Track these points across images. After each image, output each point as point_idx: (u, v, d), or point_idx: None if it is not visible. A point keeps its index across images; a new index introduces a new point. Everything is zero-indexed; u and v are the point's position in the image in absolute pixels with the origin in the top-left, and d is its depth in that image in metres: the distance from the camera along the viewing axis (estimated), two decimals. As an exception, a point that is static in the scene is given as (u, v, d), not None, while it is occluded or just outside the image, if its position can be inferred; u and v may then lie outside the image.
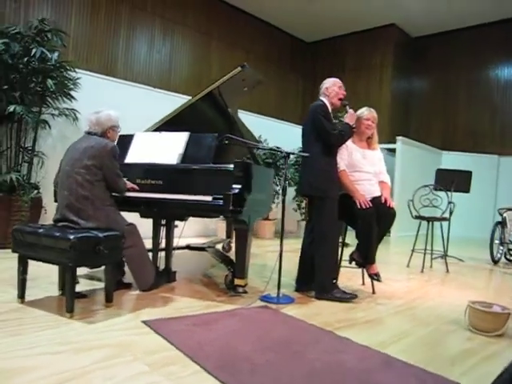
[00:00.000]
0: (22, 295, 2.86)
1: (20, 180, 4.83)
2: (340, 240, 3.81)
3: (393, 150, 9.32)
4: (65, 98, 5.27)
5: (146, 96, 6.69)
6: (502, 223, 6.05)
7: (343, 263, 3.80)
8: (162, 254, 3.74)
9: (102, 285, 3.00)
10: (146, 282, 3.29)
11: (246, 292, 3.41)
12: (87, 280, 3.58)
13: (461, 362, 2.30)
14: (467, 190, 5.96)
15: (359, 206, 3.40)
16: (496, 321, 2.75)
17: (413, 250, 5.25)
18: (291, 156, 4.77)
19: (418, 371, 2.12)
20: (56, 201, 3.12)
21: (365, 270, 3.71)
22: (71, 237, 2.59)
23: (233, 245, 4.29)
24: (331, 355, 2.28)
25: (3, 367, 1.89)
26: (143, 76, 7.52)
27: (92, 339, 2.29)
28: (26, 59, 4.82)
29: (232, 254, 3.60)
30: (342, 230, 3.83)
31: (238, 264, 3.40)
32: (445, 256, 5.22)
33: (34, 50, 4.77)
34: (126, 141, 3.75)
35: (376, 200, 3.53)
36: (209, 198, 3.12)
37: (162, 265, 3.74)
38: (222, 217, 4.37)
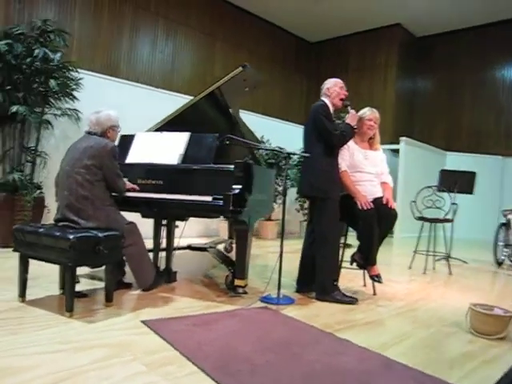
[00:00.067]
0: (22, 294, 2.88)
1: (23, 180, 4.85)
2: (341, 241, 3.81)
3: (396, 151, 9.30)
4: (67, 99, 5.29)
5: (149, 96, 6.72)
6: (507, 225, 6.01)
7: (344, 264, 3.78)
8: (163, 254, 3.75)
9: (102, 284, 3.00)
10: (146, 281, 3.29)
11: (246, 293, 3.40)
12: (88, 279, 3.59)
13: (461, 365, 2.28)
14: (471, 192, 5.92)
15: (360, 207, 3.38)
16: (497, 324, 2.73)
17: (415, 252, 5.23)
18: (294, 156, 4.80)
19: (417, 374, 2.11)
20: (57, 201, 3.13)
21: (366, 272, 3.70)
22: (71, 236, 2.59)
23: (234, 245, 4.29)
24: (331, 357, 2.27)
25: (2, 366, 1.89)
26: (146, 76, 7.53)
27: (91, 339, 2.29)
28: (28, 60, 4.84)
29: (233, 255, 3.60)
30: (343, 231, 3.81)
31: (238, 265, 3.39)
32: (448, 258, 5.19)
33: (36, 51, 4.79)
34: (127, 141, 3.76)
35: (377, 201, 3.51)
36: (209, 199, 3.12)
37: (162, 265, 3.74)
38: (223, 217, 4.36)
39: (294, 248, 3.68)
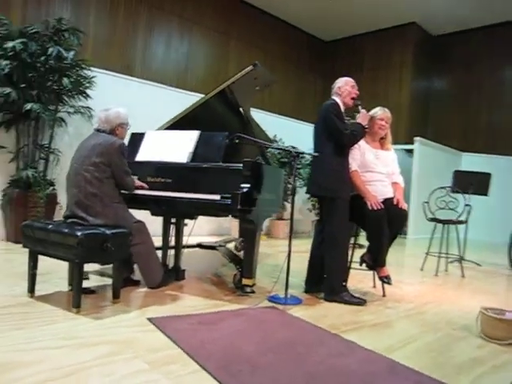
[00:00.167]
0: (31, 289, 2.91)
1: (36, 177, 4.91)
2: (351, 241, 3.78)
3: (410, 151, 9.21)
4: (80, 96, 5.34)
5: (162, 95, 6.76)
6: (522, 227, 5.90)
7: (354, 265, 3.75)
8: (172, 253, 3.75)
9: (111, 281, 3.01)
10: (154, 280, 3.30)
11: (253, 292, 3.39)
12: (98, 276, 3.62)
13: (468, 370, 2.23)
14: (486, 193, 5.84)
15: (370, 208, 3.35)
16: (509, 329, 2.66)
17: (427, 253, 5.16)
18: (307, 156, 4.76)
19: (422, 378, 2.07)
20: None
21: (375, 273, 3.66)
22: (79, 233, 2.61)
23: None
24: (335, 358, 2.25)
25: (4, 361, 1.91)
26: (160, 75, 7.56)
27: (95, 335, 2.30)
28: (43, 58, 4.89)
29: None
30: (352, 231, 3.78)
31: (245, 264, 3.39)
32: (461, 260, 5.11)
33: (50, 49, 4.85)
34: (137, 139, 3.78)
35: (388, 201, 3.47)
36: (217, 197, 3.11)
37: (171, 263, 3.75)
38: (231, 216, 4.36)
39: (306, 248, 3.66)
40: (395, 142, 8.93)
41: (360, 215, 3.44)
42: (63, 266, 3.15)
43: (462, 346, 2.61)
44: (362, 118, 3.50)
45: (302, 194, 6.40)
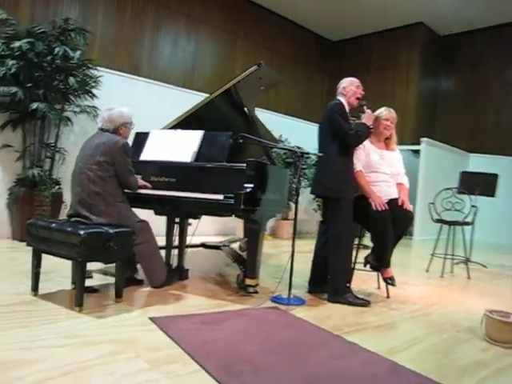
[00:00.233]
0: (35, 288, 2.91)
1: (42, 175, 4.93)
2: (355, 242, 3.76)
3: (417, 152, 9.16)
4: (87, 96, 5.36)
5: (169, 94, 6.77)
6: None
7: (358, 266, 3.73)
8: (176, 252, 3.76)
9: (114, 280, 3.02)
10: (157, 279, 3.30)
11: (256, 292, 3.38)
12: (101, 275, 3.62)
13: (472, 372, 2.21)
14: (493, 194, 5.80)
15: (374, 208, 3.33)
16: (513, 331, 2.64)
17: (432, 255, 5.12)
18: (313, 156, 4.73)
19: (425, 380, 2.05)
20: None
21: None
22: (81, 232, 2.61)
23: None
24: (337, 360, 2.23)
25: (5, 359, 1.91)
26: (167, 75, 7.57)
27: (97, 334, 2.30)
28: (49, 58, 4.92)
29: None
30: (357, 232, 3.76)
31: (248, 264, 3.38)
32: (467, 261, 5.07)
33: (57, 49, 4.87)
34: (141, 138, 3.78)
35: (392, 202, 3.45)
36: (220, 197, 3.10)
37: (175, 263, 3.75)
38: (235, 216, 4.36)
39: (310, 248, 3.64)
40: (402, 143, 8.91)
41: (364, 216, 3.42)
42: (67, 265, 3.16)
43: (466, 348, 2.58)
44: (367, 118, 3.48)
45: (307, 195, 6.39)
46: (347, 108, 3.50)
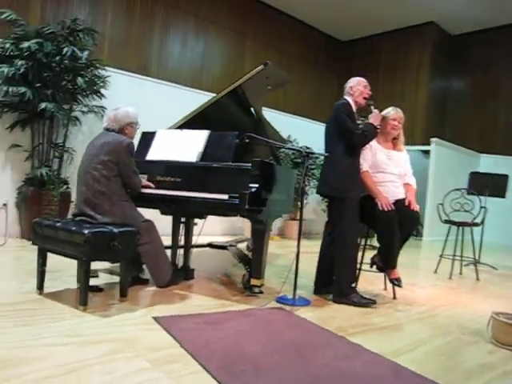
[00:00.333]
0: (40, 287, 2.93)
1: (50, 175, 4.97)
2: (362, 243, 3.74)
3: (427, 152, 9.09)
4: (95, 96, 5.39)
5: (177, 94, 6.80)
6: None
7: (365, 267, 3.71)
8: (182, 252, 3.76)
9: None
10: (163, 279, 3.30)
11: (261, 292, 3.37)
12: (107, 274, 3.64)
13: (477, 375, 2.18)
14: (503, 195, 5.73)
15: (381, 208, 3.30)
16: (521, 334, 2.60)
17: (441, 256, 5.07)
18: (321, 156, 4.70)
19: (428, 383, 2.03)
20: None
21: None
22: (86, 231, 2.62)
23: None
24: (340, 361, 2.21)
25: (7, 357, 1.93)
26: (176, 75, 7.58)
27: (100, 333, 2.31)
28: (58, 58, 4.95)
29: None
30: (363, 232, 3.73)
31: (254, 264, 3.37)
32: (476, 263, 5.01)
33: (65, 49, 4.90)
34: (148, 138, 3.79)
35: (399, 203, 3.42)
36: (225, 197, 3.10)
37: (181, 262, 3.75)
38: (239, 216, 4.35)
39: (318, 248, 3.62)
40: (412, 143, 8.84)
41: (371, 216, 3.39)
42: (74, 264, 3.16)
43: (472, 350, 2.55)
44: (374, 118, 3.46)
45: (316, 195, 6.36)
46: (354, 108, 3.48)
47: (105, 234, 2.72)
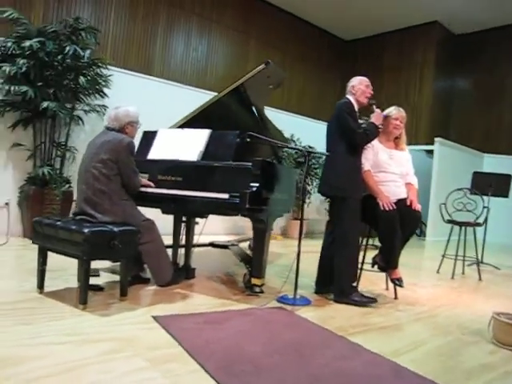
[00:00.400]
0: (40, 285, 2.93)
1: (52, 174, 4.97)
2: (364, 242, 3.72)
3: (431, 152, 9.06)
4: (97, 95, 5.40)
5: (181, 94, 6.80)
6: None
7: (366, 266, 3.69)
8: (183, 251, 3.76)
9: (120, 278, 3.03)
10: (164, 278, 3.30)
11: (262, 292, 3.36)
12: (109, 273, 3.63)
13: (477, 375, 2.17)
14: (507, 195, 5.71)
15: (382, 208, 3.29)
16: (522, 334, 2.59)
17: (443, 256, 5.05)
18: (324, 156, 4.68)
19: (427, 383, 2.01)
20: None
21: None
22: (85, 230, 2.62)
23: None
24: (340, 361, 2.20)
25: (7, 355, 1.93)
26: (179, 74, 7.58)
27: (99, 332, 2.31)
28: (60, 57, 4.96)
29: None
30: (365, 231, 3.72)
31: (255, 263, 3.37)
32: (478, 263, 4.99)
33: (67, 48, 4.90)
34: (149, 137, 3.79)
35: (401, 202, 3.40)
36: (226, 196, 3.09)
37: (182, 261, 3.75)
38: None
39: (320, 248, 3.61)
40: (415, 143, 8.81)
41: (372, 216, 3.38)
42: (75, 263, 3.13)
43: (472, 350, 2.53)
44: (375, 117, 3.45)
45: (318, 194, 6.35)
46: (356, 107, 3.47)
47: (105, 232, 2.72)
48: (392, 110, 3.61)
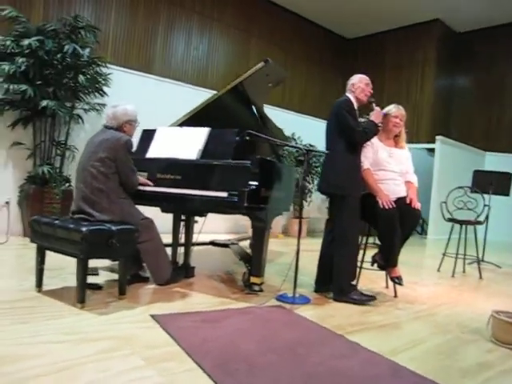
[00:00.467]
0: (39, 284, 2.94)
1: (52, 173, 4.98)
2: (363, 241, 3.71)
3: (432, 150, 9.04)
4: (97, 94, 5.39)
5: (181, 92, 6.80)
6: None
7: (366, 265, 3.68)
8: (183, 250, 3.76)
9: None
10: (162, 277, 3.30)
11: (261, 290, 3.36)
12: (108, 272, 3.63)
13: (474, 374, 2.16)
14: (507, 193, 5.69)
15: (381, 206, 3.28)
16: (521, 333, 2.58)
17: (444, 254, 5.04)
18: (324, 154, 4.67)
19: (425, 381, 2.01)
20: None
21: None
22: (83, 229, 2.62)
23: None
24: (337, 360, 2.20)
25: (5, 354, 1.93)
26: (180, 73, 7.57)
27: (97, 330, 2.31)
28: (59, 55, 4.95)
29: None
30: (364, 230, 3.71)
31: (254, 262, 3.36)
32: (479, 261, 4.97)
33: (66, 47, 4.90)
34: (148, 135, 3.78)
35: (400, 201, 3.39)
36: (224, 194, 3.08)
37: (181, 260, 3.75)
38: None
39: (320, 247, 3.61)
40: (417, 141, 8.79)
41: (372, 214, 3.37)
42: (74, 262, 3.15)
43: (471, 349, 2.52)
44: (375, 115, 3.44)
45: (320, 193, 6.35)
46: (356, 105, 3.46)
47: (103, 231, 2.72)
48: (391, 108, 3.60)
